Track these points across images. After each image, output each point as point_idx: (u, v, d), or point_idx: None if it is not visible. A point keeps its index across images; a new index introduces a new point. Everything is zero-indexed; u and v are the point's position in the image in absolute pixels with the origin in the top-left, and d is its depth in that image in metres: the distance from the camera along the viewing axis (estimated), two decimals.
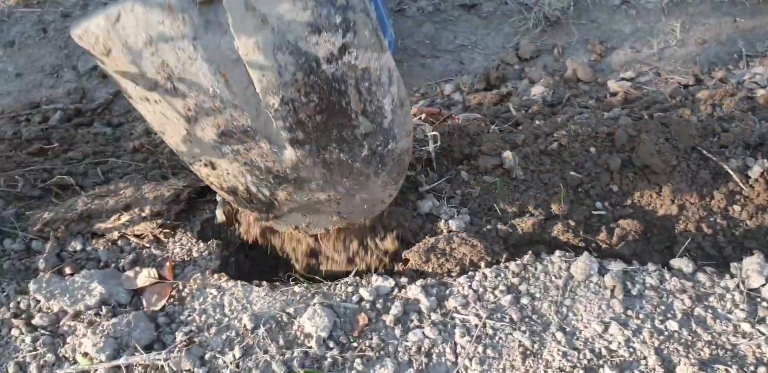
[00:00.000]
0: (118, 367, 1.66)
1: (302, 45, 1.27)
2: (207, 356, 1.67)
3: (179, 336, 1.71)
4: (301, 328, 1.71)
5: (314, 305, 1.74)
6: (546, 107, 2.66)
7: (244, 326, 1.73)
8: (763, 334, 1.61)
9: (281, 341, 1.69)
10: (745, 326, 1.63)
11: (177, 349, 1.67)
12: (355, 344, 1.68)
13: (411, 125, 1.58)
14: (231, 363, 1.65)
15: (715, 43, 2.96)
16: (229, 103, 1.36)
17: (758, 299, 1.70)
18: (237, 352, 1.67)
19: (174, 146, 1.59)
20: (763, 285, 1.72)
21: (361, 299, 1.78)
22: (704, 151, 2.04)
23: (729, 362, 1.56)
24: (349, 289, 1.81)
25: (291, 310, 1.76)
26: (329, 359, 1.64)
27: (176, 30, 1.25)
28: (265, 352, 1.67)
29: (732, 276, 1.76)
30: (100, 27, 1.29)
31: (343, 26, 1.28)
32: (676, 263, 1.81)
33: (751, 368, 1.55)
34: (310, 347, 1.67)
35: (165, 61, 1.31)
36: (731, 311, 1.68)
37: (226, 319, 1.77)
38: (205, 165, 1.59)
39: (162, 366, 1.63)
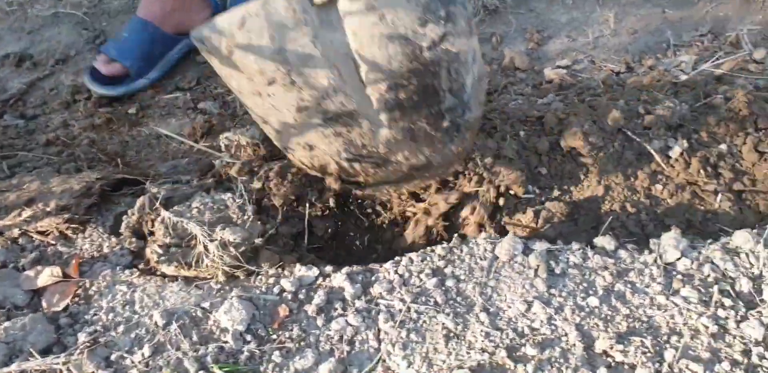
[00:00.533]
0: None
1: (411, 36, 1.54)
2: (113, 357, 1.71)
3: (82, 337, 1.75)
4: (216, 322, 1.78)
5: (231, 298, 1.81)
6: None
7: (155, 323, 1.78)
8: (676, 305, 1.78)
9: (195, 337, 1.75)
10: (661, 299, 1.80)
11: (78, 351, 1.70)
12: (274, 337, 1.76)
13: (485, 97, 1.87)
14: (140, 362, 1.70)
15: (646, 33, 3.20)
16: (340, 91, 1.61)
17: (674, 272, 1.88)
18: (147, 350, 1.72)
19: (273, 133, 1.87)
20: (678, 259, 1.90)
21: (283, 290, 1.86)
22: (629, 133, 2.23)
23: (644, 334, 1.72)
24: (271, 280, 1.89)
25: (206, 304, 1.82)
26: (246, 353, 1.71)
27: (298, 31, 1.50)
28: (177, 349, 1.73)
29: (651, 251, 1.93)
30: (225, 31, 1.53)
31: (445, 18, 1.55)
32: (599, 241, 1.97)
33: (665, 338, 1.71)
34: (226, 342, 1.73)
35: (286, 59, 1.54)
36: (648, 285, 1.84)
37: (136, 316, 1.82)
38: (304, 147, 1.84)
39: (61, 371, 1.66)
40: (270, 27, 1.50)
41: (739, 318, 1.74)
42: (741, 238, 1.94)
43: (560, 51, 3.16)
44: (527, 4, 3.40)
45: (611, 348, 1.69)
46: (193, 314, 1.80)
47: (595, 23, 3.23)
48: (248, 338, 1.76)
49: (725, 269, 1.88)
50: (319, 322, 1.79)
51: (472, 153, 2.09)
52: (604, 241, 1.97)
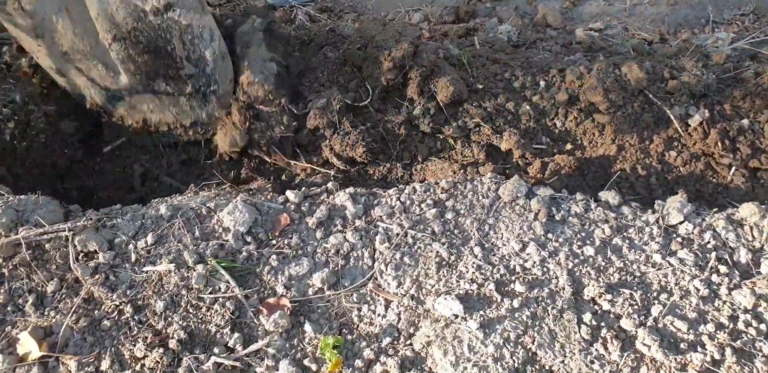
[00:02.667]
0: (18, 244, 1.63)
1: None
2: (117, 240, 1.66)
3: (90, 214, 1.70)
4: (220, 222, 1.72)
5: (236, 201, 1.74)
6: (510, 47, 2.68)
7: (161, 215, 1.72)
8: (671, 265, 1.70)
9: (197, 233, 1.69)
10: (657, 257, 1.71)
11: (83, 223, 1.65)
12: (273, 242, 1.70)
13: (232, 74, 1.94)
14: (142, 249, 1.65)
15: (686, 5, 3.02)
16: (71, 30, 1.73)
17: (674, 235, 1.79)
18: (150, 239, 1.67)
19: (40, 62, 1.95)
20: (680, 222, 1.81)
21: (287, 200, 1.79)
22: (651, 95, 2.10)
23: (635, 288, 1.65)
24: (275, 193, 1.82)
25: (212, 204, 1.75)
26: (244, 253, 1.65)
27: None
28: (179, 241, 1.67)
29: (654, 212, 1.84)
30: None
31: None
32: (603, 195, 1.87)
33: (654, 294, 1.64)
34: (227, 241, 1.67)
35: None
36: (647, 243, 1.76)
37: (144, 207, 1.76)
38: (56, 73, 1.96)
39: (67, 238, 1.61)
40: None
41: (732, 286, 1.66)
42: (747, 210, 1.84)
43: (595, 14, 2.98)
44: None
45: (600, 296, 1.62)
46: (198, 212, 1.74)
47: None
48: (248, 239, 1.70)
49: (726, 238, 1.79)
50: (318, 234, 1.72)
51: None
52: (609, 195, 1.87)
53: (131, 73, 1.83)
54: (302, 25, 2.61)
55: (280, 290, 1.60)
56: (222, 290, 1.57)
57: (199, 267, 1.60)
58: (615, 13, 2.98)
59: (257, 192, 1.82)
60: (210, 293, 1.57)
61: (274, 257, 1.65)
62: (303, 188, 1.82)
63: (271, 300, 1.57)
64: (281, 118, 1.98)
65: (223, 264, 1.59)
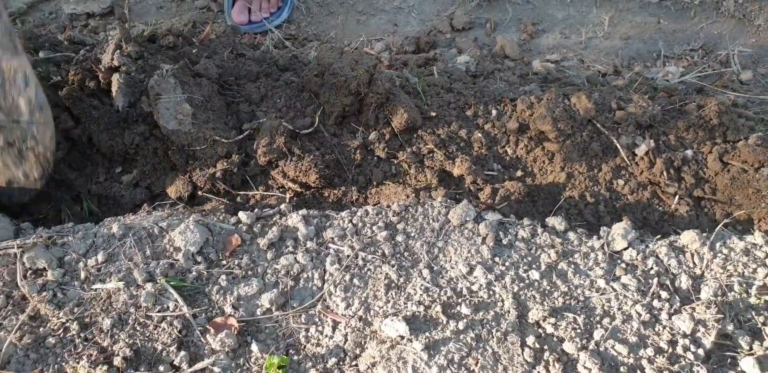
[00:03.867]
0: None
1: None
2: (67, 258, 1.66)
3: (40, 232, 1.70)
4: (171, 241, 1.73)
5: (188, 221, 1.75)
6: (468, 76, 2.77)
7: (113, 233, 1.72)
8: (615, 290, 1.75)
9: (148, 252, 1.70)
10: (601, 282, 1.77)
11: (33, 241, 1.65)
12: (224, 262, 1.71)
13: (53, 131, 1.76)
14: (92, 267, 1.65)
15: (639, 40, 3.16)
16: None
17: (618, 261, 1.85)
18: (101, 257, 1.67)
19: None
20: (625, 248, 1.87)
21: (239, 221, 1.81)
22: (599, 125, 2.19)
23: (578, 312, 1.70)
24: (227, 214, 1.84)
25: (164, 224, 1.76)
26: (194, 273, 1.66)
27: None
28: (130, 260, 1.68)
29: (599, 238, 1.90)
30: None
31: None
32: (550, 220, 1.93)
33: (597, 318, 1.69)
34: (177, 260, 1.68)
35: None
36: (591, 269, 1.81)
37: (96, 226, 1.76)
38: None
39: (16, 255, 1.61)
40: None
41: (672, 311, 1.72)
42: (689, 237, 1.91)
43: (552, 46, 3.11)
44: None
45: (544, 320, 1.67)
46: (150, 231, 1.75)
47: (590, 24, 3.18)
48: (199, 259, 1.71)
49: (669, 265, 1.86)
50: (269, 255, 1.74)
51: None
52: (555, 221, 1.93)
53: None
54: (266, 50, 2.67)
55: (228, 309, 1.60)
56: (170, 309, 1.58)
57: (149, 286, 1.60)
58: (571, 46, 3.11)
59: (210, 213, 1.84)
60: (158, 312, 1.57)
61: (223, 277, 1.66)
62: (256, 210, 1.84)
63: (219, 319, 1.58)
64: (215, 151, 1.97)
65: (172, 283, 1.60)
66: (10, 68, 1.57)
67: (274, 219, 1.83)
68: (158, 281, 1.60)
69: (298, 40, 2.98)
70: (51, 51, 2.22)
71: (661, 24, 3.20)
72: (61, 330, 1.58)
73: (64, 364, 1.51)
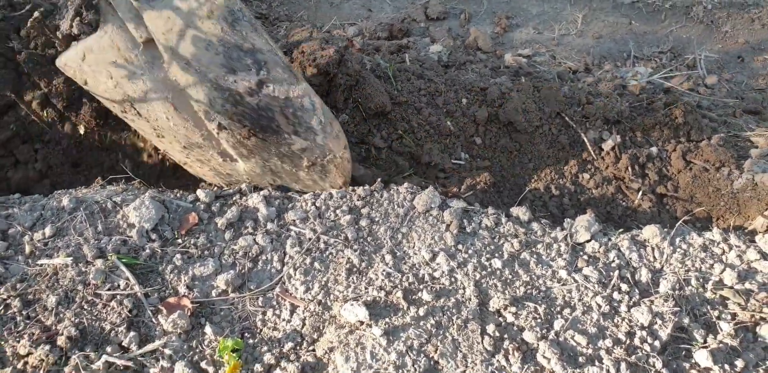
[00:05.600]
0: None
1: (222, 83, 1.57)
2: (11, 231, 1.57)
3: None
4: (125, 217, 1.65)
5: (144, 197, 1.68)
6: (440, 66, 2.75)
7: (63, 207, 1.64)
8: (576, 281, 1.76)
9: (100, 227, 1.62)
10: (563, 273, 1.77)
11: None
12: (179, 241, 1.65)
13: (344, 139, 1.87)
14: (39, 241, 1.56)
15: (610, 40, 3.20)
16: (181, 125, 1.69)
17: (581, 252, 1.86)
18: (48, 231, 1.59)
19: (171, 157, 1.91)
20: (587, 241, 1.88)
21: (197, 199, 1.75)
22: (567, 118, 2.20)
23: (539, 302, 1.69)
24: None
25: (118, 199, 1.69)
26: (148, 251, 1.60)
27: (128, 68, 1.59)
28: (80, 235, 1.60)
29: (563, 229, 1.91)
30: (73, 62, 1.61)
31: (255, 66, 1.58)
32: (515, 210, 1.93)
33: (558, 308, 1.69)
34: (131, 237, 1.61)
35: (126, 93, 1.64)
36: (554, 259, 1.81)
37: (45, 199, 1.68)
38: (184, 164, 1.93)
39: None
40: (104, 62, 1.59)
41: (631, 303, 1.73)
42: (650, 232, 1.94)
43: (524, 41, 3.12)
44: None
45: (504, 309, 1.66)
46: (103, 206, 1.67)
47: (564, 21, 3.21)
48: (153, 237, 1.64)
49: (630, 258, 1.87)
50: (227, 236, 1.68)
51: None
52: (520, 211, 1.93)
53: (245, 158, 1.78)
54: None
55: (182, 289, 1.55)
56: (121, 287, 1.51)
57: (99, 262, 1.53)
58: (544, 42, 3.12)
59: (167, 189, 1.77)
60: (108, 290, 1.50)
61: (178, 256, 1.60)
62: (215, 188, 1.78)
63: (172, 300, 1.52)
64: None
65: (124, 260, 1.53)
66: (297, 96, 1.65)
67: (234, 199, 1.78)
68: (109, 257, 1.53)
69: (269, 20, 2.92)
70: (6, 11, 2.10)
71: (632, 25, 3.25)
72: (1, 307, 1.50)
73: (2, 342, 1.43)
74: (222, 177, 1.91)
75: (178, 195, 1.74)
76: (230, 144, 1.74)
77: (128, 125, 1.98)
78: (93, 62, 1.59)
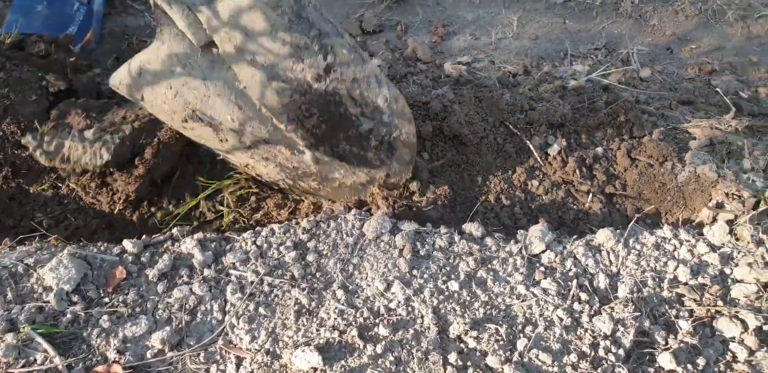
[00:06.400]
0: None
1: (290, 74, 1.52)
2: None
3: None
4: (40, 280, 1.48)
5: (62, 255, 1.52)
6: None
7: None
8: (535, 296, 1.67)
9: (10, 295, 1.45)
10: (521, 288, 1.68)
11: None
12: (106, 300, 1.49)
13: (410, 114, 1.81)
14: None
15: (546, 40, 3.16)
16: (247, 124, 1.61)
17: (537, 264, 1.77)
18: None
19: (221, 155, 1.86)
20: (543, 251, 1.80)
21: (124, 250, 1.59)
22: (511, 126, 2.12)
23: (500, 322, 1.60)
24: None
25: (31, 260, 1.52)
26: (69, 315, 1.43)
27: (187, 75, 1.52)
28: None
29: (517, 242, 1.82)
30: (127, 79, 1.57)
31: (322, 51, 1.52)
32: (467, 227, 1.84)
33: (519, 327, 1.60)
34: (48, 302, 1.45)
35: (187, 100, 1.56)
36: (511, 274, 1.72)
37: None
38: (246, 167, 1.88)
39: None
40: (163, 73, 1.54)
41: (592, 312, 1.66)
42: (603, 236, 1.87)
43: (463, 47, 3.05)
44: None
45: (465, 334, 1.55)
46: (13, 270, 1.50)
47: (500, 25, 3.15)
48: (75, 299, 1.48)
49: (586, 265, 1.80)
50: (160, 288, 1.53)
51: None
52: (472, 227, 1.83)
53: (314, 147, 1.70)
54: None
55: (111, 355, 1.39)
56: (38, 362, 1.34)
57: (9, 337, 1.35)
58: (482, 47, 3.06)
59: (89, 244, 1.60)
60: (22, 367, 1.32)
61: (105, 317, 1.44)
62: (144, 237, 1.63)
63: (100, 368, 1.36)
64: None
65: (40, 330, 1.36)
66: (364, 77, 1.62)
67: (166, 245, 1.62)
68: (22, 329, 1.36)
69: None
70: None
71: (566, 24, 3.21)
72: None
73: None
74: (287, 172, 1.84)
75: (102, 248, 1.58)
76: (299, 135, 1.67)
77: (48, 174, 1.81)
78: (151, 76, 1.55)
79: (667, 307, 1.71)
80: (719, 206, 2.05)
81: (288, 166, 1.81)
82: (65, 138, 1.73)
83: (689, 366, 1.54)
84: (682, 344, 1.61)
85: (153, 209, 1.87)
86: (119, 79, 1.60)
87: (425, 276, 1.66)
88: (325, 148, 1.73)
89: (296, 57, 1.53)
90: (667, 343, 1.63)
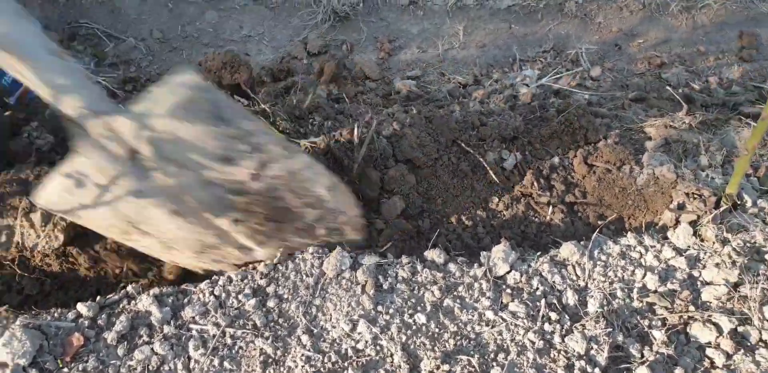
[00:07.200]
0: None
1: (222, 176, 1.49)
2: None
3: None
4: None
5: (14, 327, 1.46)
6: (330, 102, 2.62)
7: None
8: (504, 320, 1.67)
9: None
10: (489, 314, 1.68)
11: None
12: (65, 370, 1.44)
13: (352, 198, 1.81)
14: None
15: (494, 47, 3.16)
16: (193, 230, 1.56)
17: (504, 286, 1.77)
18: None
19: (180, 264, 1.79)
20: (508, 272, 1.79)
21: (79, 315, 1.54)
22: (463, 145, 2.12)
23: (472, 352, 1.59)
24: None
25: None
26: None
27: (119, 187, 1.46)
28: None
29: (480, 265, 1.81)
30: (58, 199, 1.49)
31: (254, 151, 1.50)
32: (429, 254, 1.82)
33: (492, 355, 1.59)
34: None
35: (126, 214, 1.51)
36: (478, 300, 1.72)
37: None
38: (194, 268, 1.81)
39: None
40: (91, 188, 1.45)
41: (564, 332, 1.66)
42: (567, 250, 1.87)
43: (411, 61, 3.04)
44: (379, 12, 3.25)
45: (437, 368, 1.54)
46: None
47: (446, 35, 3.15)
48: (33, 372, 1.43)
49: (553, 282, 1.80)
50: (120, 351, 1.49)
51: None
52: (434, 254, 1.82)
53: (264, 244, 1.70)
54: None
55: None
56: None
57: None
58: (429, 60, 3.05)
59: (42, 311, 1.55)
60: None
61: None
62: (99, 298, 1.58)
63: None
64: None
65: None
66: (300, 168, 1.62)
67: (122, 305, 1.58)
68: None
69: (139, 83, 2.70)
70: None
71: (512, 29, 3.22)
72: None
73: None
74: (239, 268, 1.81)
75: (56, 315, 1.53)
76: (247, 235, 1.66)
77: None
78: (79, 192, 1.46)
79: (639, 317, 1.71)
80: (681, 207, 2.07)
81: (240, 264, 1.80)
82: (14, 224, 1.67)
83: None
84: (657, 356, 1.62)
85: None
86: (46, 201, 1.51)
87: (391, 311, 1.64)
88: (275, 243, 1.73)
89: (225, 159, 1.50)
90: (642, 356, 1.63)
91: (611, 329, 1.66)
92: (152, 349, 1.49)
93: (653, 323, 1.71)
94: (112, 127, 1.42)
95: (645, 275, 1.83)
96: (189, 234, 1.60)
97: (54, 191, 1.48)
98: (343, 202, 1.77)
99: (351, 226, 1.81)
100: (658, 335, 1.67)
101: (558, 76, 2.88)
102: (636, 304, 1.76)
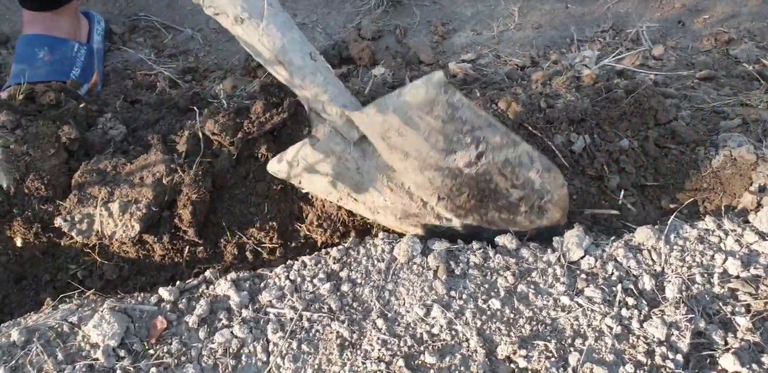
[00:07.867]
0: None
1: (442, 164, 1.63)
2: None
3: None
4: (86, 338, 1.49)
5: (102, 310, 1.52)
6: (386, 88, 2.60)
7: (13, 341, 1.47)
8: (580, 306, 1.64)
9: (60, 356, 1.45)
10: (565, 300, 1.65)
11: None
12: (151, 352, 1.49)
13: (562, 178, 1.83)
14: None
15: (550, 27, 3.08)
16: (398, 202, 1.75)
17: (578, 271, 1.73)
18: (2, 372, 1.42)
19: (382, 223, 1.93)
20: (582, 257, 1.76)
21: (161, 299, 1.58)
22: (530, 127, 2.07)
23: (548, 337, 1.57)
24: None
25: (74, 318, 1.52)
26: (119, 371, 1.43)
27: (342, 166, 1.67)
28: (40, 370, 1.43)
29: (554, 250, 1.78)
30: (285, 170, 1.71)
31: (474, 142, 1.61)
32: (500, 239, 1.80)
33: (569, 341, 1.56)
34: (97, 359, 1.45)
35: (341, 186, 1.72)
36: (552, 285, 1.69)
37: None
38: (394, 228, 1.94)
39: None
40: (319, 164, 1.66)
41: (642, 318, 1.61)
42: (643, 234, 1.82)
43: (465, 44, 2.98)
44: None
45: (514, 353, 1.53)
46: (59, 330, 1.50)
47: (500, 17, 3.07)
48: (122, 353, 1.48)
49: (628, 267, 1.75)
50: (202, 334, 1.53)
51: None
52: (506, 239, 1.80)
53: (462, 217, 1.80)
54: (163, 90, 2.42)
55: None
56: None
57: None
58: (484, 42, 2.99)
59: (126, 295, 1.60)
60: None
61: (153, 370, 1.44)
62: (178, 282, 1.62)
63: None
64: None
65: None
66: (515, 156, 1.69)
67: (201, 290, 1.62)
68: None
69: (198, 73, 2.73)
70: None
71: (569, 8, 3.13)
72: None
73: None
74: (432, 233, 1.92)
75: (139, 299, 1.58)
76: (447, 209, 1.76)
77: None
78: (308, 166, 1.68)
79: (721, 304, 1.66)
80: (762, 190, 1.98)
81: (435, 231, 1.89)
82: (94, 212, 1.72)
83: (754, 365, 1.49)
84: (743, 343, 1.56)
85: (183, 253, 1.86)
86: (277, 169, 1.73)
87: (464, 296, 1.63)
88: (474, 216, 1.80)
89: (448, 150, 1.61)
90: (726, 343, 1.58)
91: (692, 315, 1.61)
92: (232, 332, 1.52)
93: (737, 309, 1.65)
94: (349, 119, 1.59)
95: (726, 259, 1.76)
96: (395, 205, 1.75)
97: (285, 164, 1.71)
98: (553, 182, 1.80)
99: (553, 204, 1.84)
100: (743, 321, 1.61)
101: (621, 56, 2.79)
102: (717, 289, 1.70)
